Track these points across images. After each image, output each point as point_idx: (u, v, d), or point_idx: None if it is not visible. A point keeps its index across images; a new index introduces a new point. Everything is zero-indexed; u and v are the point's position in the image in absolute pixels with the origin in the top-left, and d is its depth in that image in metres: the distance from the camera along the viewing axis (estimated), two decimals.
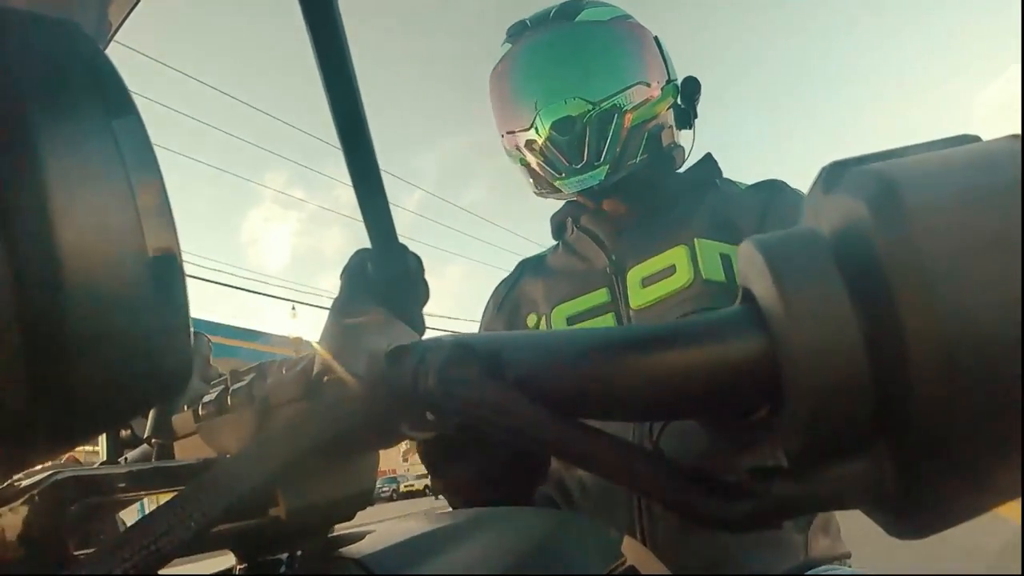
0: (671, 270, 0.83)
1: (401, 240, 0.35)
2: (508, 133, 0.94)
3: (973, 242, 0.19)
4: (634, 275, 0.86)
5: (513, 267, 1.05)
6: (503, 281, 1.03)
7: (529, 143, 0.91)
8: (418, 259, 0.36)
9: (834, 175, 0.22)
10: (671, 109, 0.94)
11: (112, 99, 0.21)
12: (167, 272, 0.20)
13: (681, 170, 0.98)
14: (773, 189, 0.89)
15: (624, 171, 0.87)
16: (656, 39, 0.95)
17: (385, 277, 0.34)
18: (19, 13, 0.20)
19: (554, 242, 1.04)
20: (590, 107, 0.86)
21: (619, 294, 0.87)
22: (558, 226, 1.02)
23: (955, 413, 0.19)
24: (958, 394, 0.18)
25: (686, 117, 0.96)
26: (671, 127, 0.94)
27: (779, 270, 0.21)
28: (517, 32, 0.94)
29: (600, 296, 0.88)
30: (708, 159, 0.99)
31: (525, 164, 0.93)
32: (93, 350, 0.18)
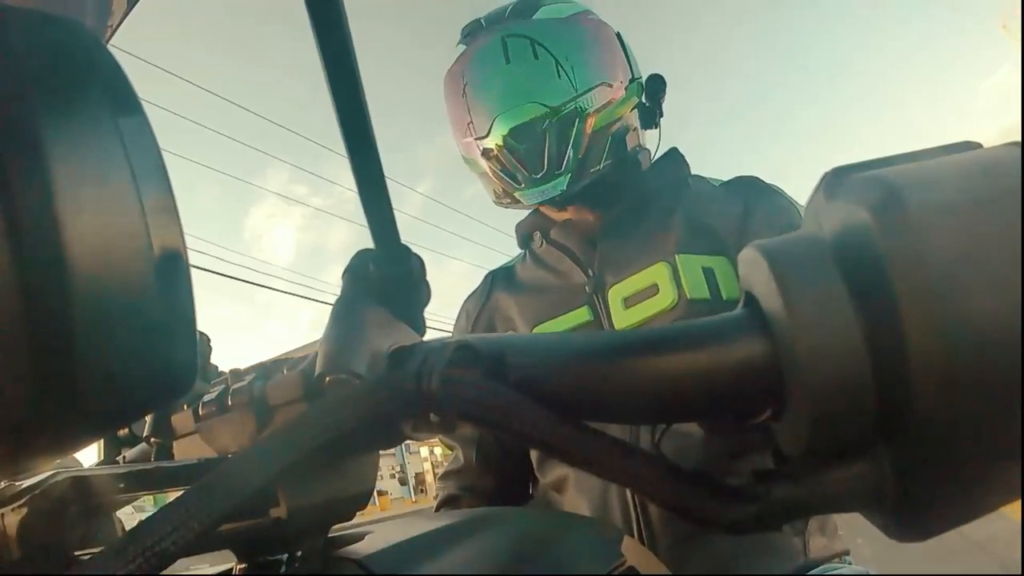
0: (653, 289, 0.80)
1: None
2: (464, 140, 0.89)
3: (974, 249, 0.19)
4: (615, 294, 0.83)
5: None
6: (471, 295, 0.98)
7: (486, 151, 0.86)
8: (420, 260, 0.36)
9: (836, 181, 0.22)
10: (636, 109, 0.89)
11: (118, 98, 0.21)
12: (173, 271, 0.20)
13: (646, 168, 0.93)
14: (752, 189, 0.86)
15: (588, 178, 0.83)
16: (618, 35, 0.91)
17: (387, 277, 0.34)
18: (23, 11, 0.20)
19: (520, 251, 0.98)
20: (549, 112, 0.81)
21: (602, 313, 0.83)
22: (524, 237, 0.97)
23: (955, 417, 0.19)
24: (958, 398, 0.19)
25: (651, 116, 0.92)
26: (636, 129, 0.89)
27: (782, 274, 0.21)
28: (472, 32, 0.89)
29: (582, 315, 0.84)
30: (674, 153, 0.95)
31: (482, 173, 0.89)
32: (99, 350, 0.18)
